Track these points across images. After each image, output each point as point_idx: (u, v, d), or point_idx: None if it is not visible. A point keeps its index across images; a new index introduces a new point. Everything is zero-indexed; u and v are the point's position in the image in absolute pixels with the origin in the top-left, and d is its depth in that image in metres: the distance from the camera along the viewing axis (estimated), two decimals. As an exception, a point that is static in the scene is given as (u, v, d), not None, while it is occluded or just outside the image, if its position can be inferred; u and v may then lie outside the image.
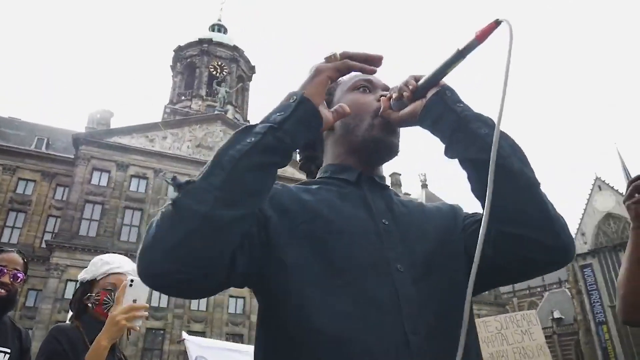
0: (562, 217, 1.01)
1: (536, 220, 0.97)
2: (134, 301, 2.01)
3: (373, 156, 1.19)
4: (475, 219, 1.12)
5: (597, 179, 44.66)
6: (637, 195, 1.58)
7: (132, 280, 2.04)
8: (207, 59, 45.20)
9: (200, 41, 46.23)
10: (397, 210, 1.13)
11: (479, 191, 1.00)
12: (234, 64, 46.38)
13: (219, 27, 50.12)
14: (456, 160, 1.05)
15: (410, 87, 1.05)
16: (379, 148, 1.17)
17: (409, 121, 1.08)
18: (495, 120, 0.90)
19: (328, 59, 0.98)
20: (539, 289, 60.67)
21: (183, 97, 44.13)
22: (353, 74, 1.17)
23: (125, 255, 2.75)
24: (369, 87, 1.23)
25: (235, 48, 47.08)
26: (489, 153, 0.89)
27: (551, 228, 0.98)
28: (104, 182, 32.51)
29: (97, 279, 2.35)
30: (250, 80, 49.66)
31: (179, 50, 47.12)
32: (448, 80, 1.05)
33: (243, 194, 0.86)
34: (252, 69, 49.80)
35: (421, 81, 1.05)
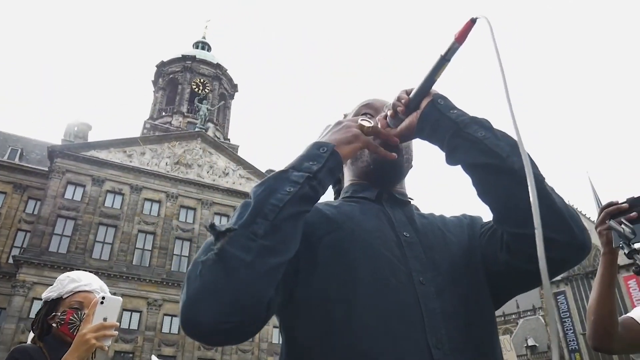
0: (572, 210, 0.98)
1: (544, 217, 0.88)
2: (105, 319, 1.94)
3: (383, 178, 1.23)
4: (489, 225, 1.13)
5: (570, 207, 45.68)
6: (608, 221, 1.61)
7: (103, 298, 1.97)
8: (190, 76, 45.21)
9: (184, 58, 46.26)
10: (419, 222, 1.15)
11: (485, 195, 1.00)
12: (216, 81, 46.45)
13: (202, 45, 50.34)
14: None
15: (403, 101, 1.07)
16: (384, 171, 1.21)
17: (408, 135, 1.09)
18: (512, 130, 0.84)
19: (365, 130, 1.05)
20: (513, 316, 61.07)
21: (164, 113, 43.92)
22: (357, 103, 1.38)
23: (97, 273, 2.64)
24: (370, 113, 1.28)
25: (218, 66, 47.21)
26: (489, 155, 0.95)
27: (561, 223, 0.94)
28: (78, 197, 31.78)
29: (64, 297, 2.24)
30: (232, 98, 49.74)
31: (161, 65, 47.03)
32: (441, 88, 1.07)
33: (284, 241, 0.88)
34: (234, 88, 49.92)
35: (412, 93, 1.06)
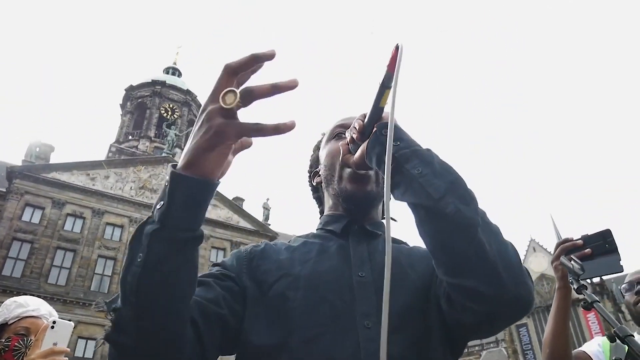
0: (512, 260, 0.88)
1: (476, 267, 0.84)
2: (55, 344, 1.88)
3: (350, 207, 1.19)
4: None
5: (532, 240, 46.51)
6: (563, 257, 1.66)
7: (54, 322, 1.91)
8: (159, 101, 44.79)
9: (154, 82, 45.88)
10: (379, 260, 1.04)
11: (422, 238, 0.93)
12: (185, 107, 46.11)
13: (173, 70, 50.11)
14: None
15: (357, 127, 1.03)
16: (353, 201, 1.17)
17: (364, 164, 1.03)
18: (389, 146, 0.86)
19: (231, 106, 0.72)
20: (477, 348, 61.03)
21: (130, 137, 43.19)
22: (334, 121, 1.32)
23: (52, 299, 2.57)
24: (344, 131, 1.23)
25: (188, 92, 46.95)
26: (422, 196, 0.87)
27: (489, 274, 0.84)
28: (36, 220, 30.65)
29: (9, 322, 2.13)
30: (201, 125, 49.20)
31: (130, 89, 46.48)
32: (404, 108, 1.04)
33: (163, 310, 0.78)
34: (204, 114, 49.45)
35: (365, 120, 1.02)
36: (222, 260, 1.14)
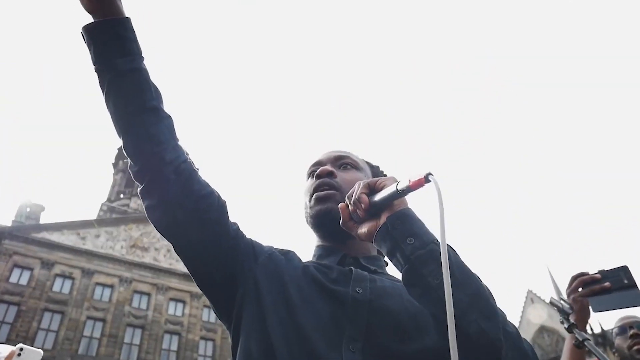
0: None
1: None
2: None
3: (327, 231, 1.25)
4: None
5: (529, 291, 46.01)
6: (553, 296, 1.68)
7: (21, 349, 1.87)
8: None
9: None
10: (380, 286, 1.09)
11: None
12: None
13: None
14: None
15: (363, 205, 0.96)
16: (319, 221, 1.24)
17: (369, 240, 1.00)
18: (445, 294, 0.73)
19: None
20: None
21: (122, 196, 43.12)
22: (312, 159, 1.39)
23: None
24: (317, 169, 1.31)
25: (181, 150, 47.32)
26: (442, 310, 0.75)
27: None
28: (24, 281, 29.91)
29: None
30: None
31: (122, 148, 46.73)
32: None
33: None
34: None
35: (373, 199, 0.97)
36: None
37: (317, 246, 1.30)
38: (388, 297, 1.06)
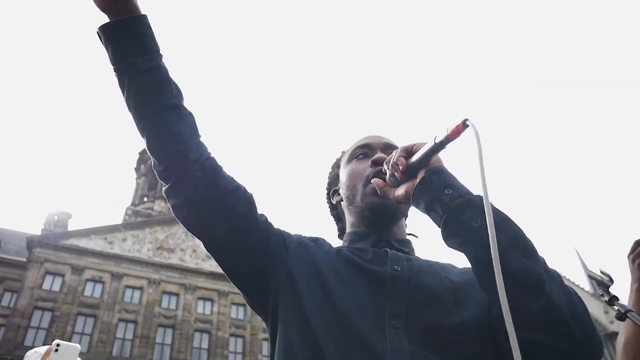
0: (582, 310, 0.87)
1: (547, 322, 0.83)
2: None
3: (377, 223, 1.23)
4: None
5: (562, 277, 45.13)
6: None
7: (58, 345, 1.92)
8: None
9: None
10: (416, 264, 1.11)
11: (484, 290, 0.92)
12: (198, 166, 46.69)
13: (185, 131, 51.08)
14: None
15: (401, 167, 1.00)
16: (376, 214, 1.21)
17: (406, 202, 1.03)
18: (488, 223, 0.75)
19: None
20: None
21: (146, 199, 43.70)
22: (352, 142, 1.36)
23: None
24: (366, 152, 1.29)
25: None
26: (484, 250, 0.79)
27: (564, 329, 0.83)
28: (56, 287, 30.73)
29: None
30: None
31: (144, 152, 47.31)
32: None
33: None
34: (216, 171, 50.19)
35: (410, 160, 1.00)
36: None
37: (350, 232, 1.29)
38: (426, 274, 1.08)
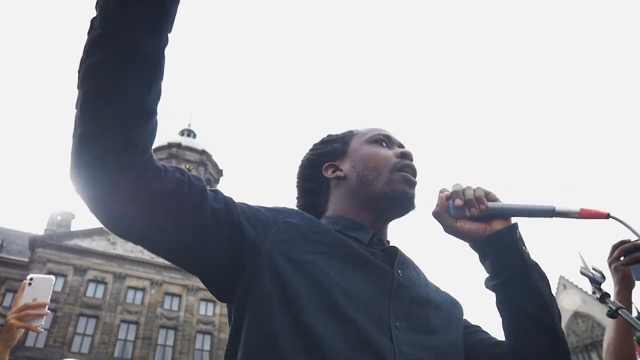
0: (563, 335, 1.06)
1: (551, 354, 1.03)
2: (34, 300, 1.88)
3: (390, 209, 1.17)
4: (476, 329, 1.17)
5: (561, 277, 45.07)
6: (622, 258, 1.62)
7: (31, 279, 1.91)
8: (176, 162, 45.59)
9: (170, 145, 46.95)
10: (414, 274, 1.10)
11: (512, 336, 1.05)
12: (202, 167, 46.96)
13: (188, 132, 51.33)
14: None
15: (482, 206, 1.05)
16: (398, 200, 1.14)
17: (463, 236, 1.08)
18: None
19: None
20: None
21: (149, 200, 43.84)
22: (369, 127, 1.31)
23: None
24: (387, 142, 1.25)
25: (203, 152, 47.94)
26: (543, 311, 1.00)
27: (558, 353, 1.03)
28: (58, 287, 30.57)
29: None
30: (217, 183, 50.07)
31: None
32: None
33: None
34: (219, 172, 50.43)
35: (494, 205, 1.05)
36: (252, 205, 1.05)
37: (340, 217, 1.16)
38: (420, 288, 1.06)
